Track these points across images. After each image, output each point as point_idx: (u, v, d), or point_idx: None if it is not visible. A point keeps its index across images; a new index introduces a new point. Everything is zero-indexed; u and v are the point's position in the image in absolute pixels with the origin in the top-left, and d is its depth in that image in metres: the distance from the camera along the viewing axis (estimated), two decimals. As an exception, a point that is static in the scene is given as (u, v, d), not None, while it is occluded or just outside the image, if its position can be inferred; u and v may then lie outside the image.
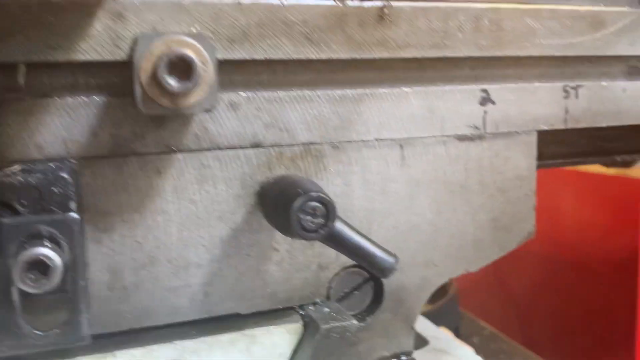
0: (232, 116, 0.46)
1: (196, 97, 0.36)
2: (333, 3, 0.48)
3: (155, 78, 0.35)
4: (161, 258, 0.46)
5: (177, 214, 0.46)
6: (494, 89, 0.54)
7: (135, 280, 0.46)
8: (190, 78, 0.35)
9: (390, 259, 0.43)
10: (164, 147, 0.45)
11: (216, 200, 0.47)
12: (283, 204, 0.39)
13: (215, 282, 0.48)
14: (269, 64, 0.47)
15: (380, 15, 0.49)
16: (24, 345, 0.39)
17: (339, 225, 0.41)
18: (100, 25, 0.42)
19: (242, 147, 0.47)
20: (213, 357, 0.46)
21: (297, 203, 0.37)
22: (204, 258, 0.47)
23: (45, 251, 0.37)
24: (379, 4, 0.49)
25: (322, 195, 0.38)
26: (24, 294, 0.38)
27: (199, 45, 0.36)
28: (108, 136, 0.43)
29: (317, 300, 0.51)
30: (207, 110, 0.38)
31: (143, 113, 0.37)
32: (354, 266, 0.52)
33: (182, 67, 0.35)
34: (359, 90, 0.50)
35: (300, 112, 0.48)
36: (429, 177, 0.53)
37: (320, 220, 0.39)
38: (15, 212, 0.39)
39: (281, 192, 0.40)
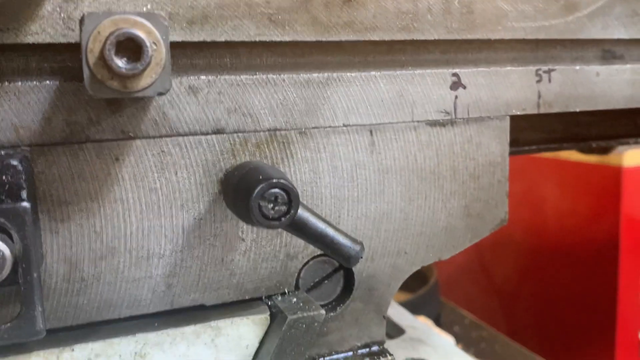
0: (193, 101, 0.44)
1: (147, 79, 0.35)
2: (297, -17, 0.46)
3: (103, 59, 0.34)
4: (121, 249, 0.44)
5: (136, 203, 0.44)
6: (465, 72, 0.53)
7: (94, 271, 0.44)
8: (140, 59, 0.34)
9: (355, 247, 0.41)
10: (121, 133, 0.43)
11: (178, 188, 0.45)
12: (244, 192, 0.37)
13: (179, 273, 0.46)
14: (231, 46, 0.46)
15: (347, -4, 0.48)
16: (-27, 339, 0.38)
17: (302, 213, 0.40)
18: (50, 5, 0.40)
19: (203, 134, 0.46)
20: (176, 350, 0.45)
21: (258, 190, 0.36)
22: (166, 248, 0.46)
23: (-7, 243, 0.35)
24: (346, -16, 0.48)
25: (283, 182, 0.37)
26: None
27: (150, 25, 0.34)
28: (62, 122, 0.42)
29: (285, 290, 0.50)
30: (160, 94, 0.36)
31: (92, 96, 0.36)
32: (324, 255, 0.51)
33: (132, 48, 0.34)
34: (326, 74, 0.49)
35: (264, 97, 0.47)
36: (400, 163, 0.52)
37: (282, 208, 0.37)
38: (-38, 202, 0.37)
39: (242, 179, 0.39)
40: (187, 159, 0.45)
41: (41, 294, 0.39)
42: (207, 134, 0.46)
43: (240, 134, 0.46)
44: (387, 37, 0.50)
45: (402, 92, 0.51)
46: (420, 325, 0.80)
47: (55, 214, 0.42)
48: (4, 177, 0.38)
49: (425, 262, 0.55)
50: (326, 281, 0.52)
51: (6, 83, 0.40)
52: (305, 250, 0.50)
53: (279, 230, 0.48)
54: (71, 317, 0.44)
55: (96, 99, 0.42)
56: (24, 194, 0.38)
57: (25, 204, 0.37)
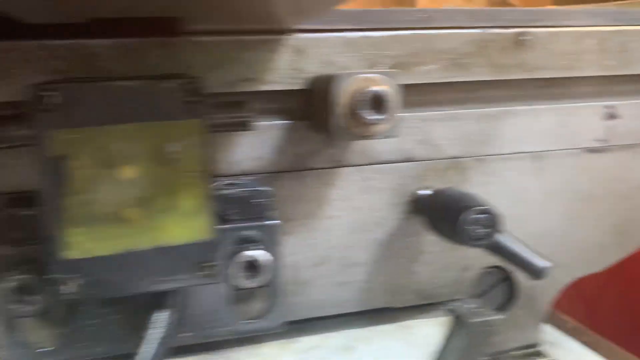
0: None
1: (385, 127, 0.43)
2: (478, 31, 0.54)
3: (351, 111, 0.42)
4: (331, 258, 0.53)
5: (344, 220, 0.53)
6: (619, 104, 0.59)
7: (310, 276, 0.53)
8: (383, 111, 0.42)
9: (545, 264, 0.48)
10: (334, 162, 0.52)
11: (375, 207, 0.53)
12: (452, 215, 0.45)
13: (374, 279, 0.55)
14: (420, 86, 0.54)
15: (518, 41, 0.55)
16: (233, 331, 0.47)
17: (500, 235, 0.47)
18: (284, 59, 0.49)
19: (397, 162, 0.54)
20: (376, 344, 0.53)
21: (467, 215, 0.43)
22: (365, 258, 0.54)
23: (257, 253, 0.44)
24: (518, 31, 0.55)
25: (489, 208, 0.44)
26: (233, 289, 0.46)
27: (387, 82, 0.42)
28: (290, 154, 0.51)
29: (460, 297, 0.57)
30: (391, 137, 0.44)
31: (337, 140, 0.44)
32: (491, 267, 0.58)
33: (376, 102, 0.42)
34: (498, 109, 0.56)
35: (448, 129, 0.55)
36: (560, 186, 0.58)
37: (486, 230, 0.45)
38: (226, 221, 0.46)
39: (448, 203, 0.47)
40: (384, 183, 0.53)
41: (283, 295, 0.48)
42: (400, 162, 0.54)
43: (427, 162, 0.54)
44: (551, 75, 0.56)
45: (563, 122, 0.58)
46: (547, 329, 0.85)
47: (284, 229, 0.51)
48: (256, 200, 0.47)
49: (578, 274, 0.61)
50: (492, 290, 0.59)
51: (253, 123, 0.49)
52: (478, 262, 0.57)
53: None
54: (292, 314, 0.53)
55: (316, 135, 0.51)
56: (272, 214, 0.47)
57: (277, 221, 0.47)
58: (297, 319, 0.53)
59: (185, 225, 0.38)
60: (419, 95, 0.54)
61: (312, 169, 0.51)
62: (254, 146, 0.50)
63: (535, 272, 0.47)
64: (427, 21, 0.53)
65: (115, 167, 0.36)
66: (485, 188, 0.56)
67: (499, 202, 0.56)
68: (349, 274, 0.54)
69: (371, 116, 0.41)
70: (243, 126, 0.41)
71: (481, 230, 0.45)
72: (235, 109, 0.41)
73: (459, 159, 0.55)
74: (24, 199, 0.44)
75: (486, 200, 0.46)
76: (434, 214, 0.49)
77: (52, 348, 0.44)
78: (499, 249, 0.47)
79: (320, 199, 0.52)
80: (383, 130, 0.43)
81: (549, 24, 0.55)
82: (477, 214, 0.44)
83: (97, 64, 0.45)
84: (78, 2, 0.30)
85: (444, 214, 0.47)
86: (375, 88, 0.41)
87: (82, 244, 0.37)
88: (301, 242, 0.52)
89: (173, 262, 0.39)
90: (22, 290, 0.40)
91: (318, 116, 0.49)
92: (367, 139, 0.44)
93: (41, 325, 0.47)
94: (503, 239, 0.47)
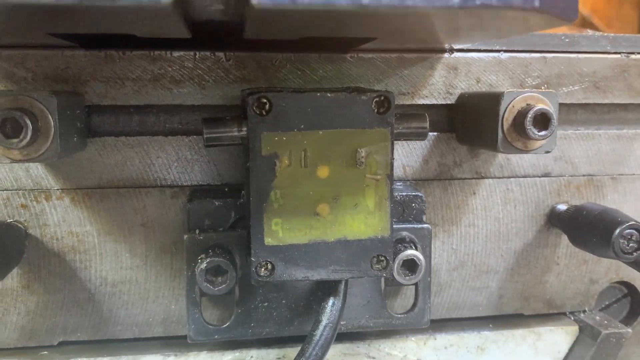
0: (533, 151, 0.56)
1: (544, 142, 0.46)
2: (619, 57, 0.56)
3: (516, 127, 0.46)
4: (469, 263, 0.57)
5: (484, 228, 0.56)
6: None
7: (448, 279, 0.57)
8: (548, 128, 0.45)
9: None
10: (475, 173, 0.56)
11: (515, 218, 0.57)
12: (604, 228, 0.48)
13: (507, 286, 0.58)
14: (560, 106, 0.57)
15: (657, 67, 0.57)
16: (384, 323, 0.51)
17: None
18: (438, 75, 0.54)
19: (535, 176, 0.57)
20: (507, 347, 0.56)
21: (619, 230, 0.46)
22: (501, 266, 0.57)
23: (416, 252, 0.48)
24: (657, 57, 0.57)
25: (638, 224, 0.47)
26: (387, 284, 0.51)
27: (549, 101, 0.46)
28: (435, 163, 0.55)
29: (585, 308, 0.60)
30: (547, 152, 0.48)
31: (500, 152, 0.48)
32: (617, 282, 0.60)
33: (541, 119, 0.45)
34: (633, 131, 0.58)
35: (583, 148, 0.57)
36: (691, 208, 0.60)
37: (634, 245, 0.47)
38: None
39: (598, 217, 0.49)
40: (525, 196, 0.57)
41: (429, 294, 0.52)
42: (537, 176, 0.57)
43: (563, 178, 0.57)
44: (687, 100, 0.58)
45: (696, 146, 0.59)
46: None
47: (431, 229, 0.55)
48: (413, 205, 0.51)
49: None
50: (615, 305, 0.61)
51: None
52: (605, 277, 0.59)
53: (586, 257, 0.58)
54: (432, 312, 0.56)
55: (460, 146, 0.55)
56: (424, 218, 0.51)
57: (428, 226, 0.51)
58: (435, 318, 0.57)
59: (367, 222, 0.43)
60: (560, 112, 0.57)
61: (455, 178, 0.55)
62: (403, 154, 0.54)
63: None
64: (572, 45, 0.56)
65: (313, 166, 0.42)
66: (619, 205, 0.58)
67: (630, 220, 0.58)
68: (484, 279, 0.57)
69: (537, 132, 0.45)
70: (421, 136, 0.45)
71: (633, 245, 0.47)
72: (415, 121, 0.45)
73: (594, 177, 0.58)
74: (211, 191, 0.50)
75: (631, 217, 0.49)
76: (578, 227, 0.52)
77: (226, 325, 0.49)
78: (643, 264, 0.49)
79: (463, 207, 0.56)
80: (541, 146, 0.47)
81: (689, 51, 0.58)
82: (630, 229, 0.47)
83: (277, 75, 0.50)
84: (297, 24, 0.35)
85: (594, 226, 0.49)
86: (541, 106, 0.45)
87: (280, 232, 0.42)
88: (442, 246, 0.56)
89: (354, 254, 0.43)
90: (214, 272, 0.46)
91: (467, 130, 0.53)
92: (527, 152, 0.47)
93: (219, 305, 0.52)
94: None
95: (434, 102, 0.54)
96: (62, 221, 0.50)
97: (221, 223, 0.48)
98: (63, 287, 0.52)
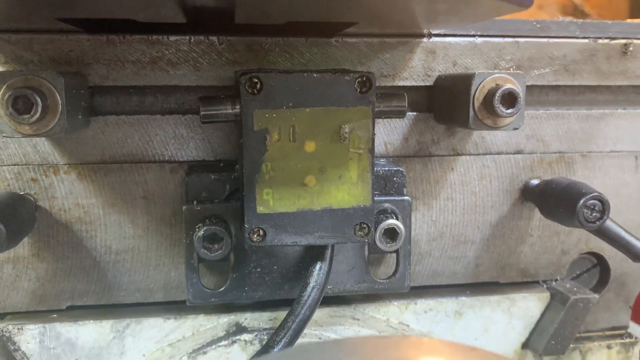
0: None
1: (511, 119, 0.50)
2: (587, 41, 0.60)
3: (486, 105, 0.50)
4: (447, 234, 0.61)
5: (462, 202, 0.61)
6: None
7: (428, 248, 0.61)
8: (515, 106, 0.49)
9: (644, 246, 0.54)
10: (452, 151, 0.60)
11: (490, 193, 0.61)
12: (570, 199, 0.52)
13: (484, 256, 0.62)
14: (532, 87, 0.61)
15: (624, 51, 0.61)
16: (367, 288, 0.56)
17: (609, 220, 0.53)
18: (418, 58, 0.58)
19: (509, 153, 0.61)
20: (482, 312, 0.60)
21: (583, 200, 0.51)
22: (477, 237, 0.62)
23: (397, 222, 0.53)
24: (624, 41, 0.61)
25: (603, 196, 0.51)
26: (370, 251, 0.55)
27: (516, 82, 0.50)
28: (414, 141, 0.59)
29: (557, 277, 0.64)
30: (515, 129, 0.52)
31: (471, 129, 0.52)
32: (587, 252, 0.64)
33: (509, 98, 0.49)
34: (601, 111, 0.62)
35: (554, 127, 0.62)
36: (656, 183, 0.64)
37: (597, 215, 0.51)
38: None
39: (565, 189, 0.54)
40: (500, 171, 0.61)
41: (409, 261, 0.56)
42: (510, 153, 0.61)
43: (535, 155, 0.61)
44: (652, 82, 0.62)
45: (661, 125, 0.64)
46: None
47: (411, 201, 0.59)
48: (395, 179, 0.55)
49: (667, 266, 0.67)
50: (585, 274, 0.66)
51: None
52: (576, 247, 0.64)
53: (558, 229, 0.63)
54: (411, 280, 0.61)
55: (438, 126, 0.59)
56: (405, 191, 0.56)
57: (408, 198, 0.55)
58: (416, 285, 0.61)
59: (350, 192, 0.47)
60: (529, 95, 0.61)
61: (432, 155, 0.60)
62: (385, 133, 0.58)
63: (637, 255, 0.53)
64: (543, 30, 0.60)
65: (301, 141, 0.46)
66: (589, 181, 0.63)
67: (598, 194, 0.62)
68: (461, 249, 0.62)
69: (505, 110, 0.49)
70: (400, 114, 0.49)
71: (595, 214, 0.52)
72: (395, 100, 0.49)
73: (565, 154, 0.62)
74: (207, 166, 0.54)
75: (595, 189, 0.53)
76: (547, 199, 0.56)
77: (222, 289, 0.54)
78: (606, 232, 0.53)
79: (442, 182, 0.60)
80: (510, 122, 0.51)
81: (654, 36, 0.62)
82: (593, 199, 0.51)
83: (267, 57, 0.54)
84: (283, 9, 0.39)
85: (560, 198, 0.54)
86: (508, 86, 0.49)
87: (271, 202, 0.46)
88: (422, 218, 0.60)
89: (338, 222, 0.48)
90: (211, 239, 0.50)
91: (443, 109, 0.57)
92: (496, 129, 0.51)
93: (215, 272, 0.57)
94: (611, 224, 0.54)
95: (414, 83, 0.58)
96: (70, 194, 0.54)
97: (217, 195, 0.52)
98: (70, 255, 0.56)
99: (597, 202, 0.51)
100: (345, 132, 0.46)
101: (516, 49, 0.59)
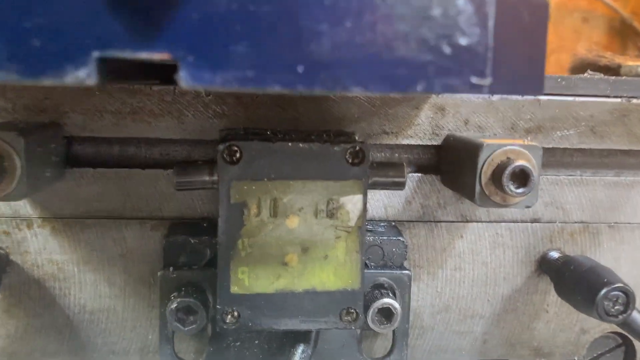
0: (524, 195, 0.54)
1: (523, 198, 0.45)
2: (619, 101, 0.54)
3: (494, 181, 0.44)
4: (454, 307, 0.55)
5: (471, 272, 0.55)
6: None
7: (431, 322, 0.55)
8: (527, 185, 0.43)
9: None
10: (461, 217, 0.54)
11: (504, 263, 0.55)
12: (589, 287, 0.46)
13: (493, 331, 0.56)
14: (554, 150, 0.55)
15: (660, 112, 0.55)
16: (359, 367, 0.51)
17: (634, 313, 0.47)
18: (425, 115, 0.52)
19: (523, 222, 0.55)
20: (488, 396, 0.55)
21: (604, 291, 0.45)
22: (487, 310, 0.56)
23: (392, 301, 0.47)
24: (660, 102, 0.55)
25: (626, 287, 0.45)
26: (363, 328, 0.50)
27: (531, 156, 0.44)
28: (418, 205, 0.54)
29: (575, 358, 0.58)
30: (528, 207, 0.46)
31: (478, 206, 0.46)
32: (610, 332, 0.58)
33: (520, 176, 0.44)
34: (631, 178, 0.56)
35: (576, 194, 0.55)
36: (691, 259, 0.58)
37: (620, 308, 0.45)
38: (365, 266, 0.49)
39: (584, 274, 0.48)
40: (514, 241, 0.55)
41: (407, 341, 0.51)
42: (527, 222, 0.55)
43: (555, 224, 0.55)
44: (689, 148, 0.56)
45: (699, 195, 0.57)
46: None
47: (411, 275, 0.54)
48: (394, 249, 0.50)
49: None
50: (607, 354, 0.59)
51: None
52: (598, 327, 0.58)
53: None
54: (411, 355, 0.55)
55: (445, 189, 0.53)
56: (406, 263, 0.50)
57: (408, 272, 0.50)
58: (414, 361, 0.56)
59: (336, 273, 0.42)
60: (550, 156, 0.55)
61: (438, 221, 0.54)
62: (384, 194, 0.53)
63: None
64: (568, 88, 0.54)
65: (283, 216, 0.41)
66: (615, 254, 0.56)
67: (627, 269, 0.56)
68: (469, 324, 0.56)
69: (515, 189, 0.43)
70: (398, 186, 0.44)
71: (617, 308, 0.46)
72: (392, 170, 0.44)
73: (589, 224, 0.56)
74: (190, 225, 0.50)
75: (620, 278, 0.47)
76: (565, 279, 0.50)
77: (198, 363, 0.49)
78: (631, 325, 0.47)
79: (450, 250, 0.55)
80: (520, 201, 0.45)
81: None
82: (616, 291, 0.45)
83: (257, 112, 0.50)
84: None
85: (580, 283, 0.48)
86: (520, 163, 0.43)
87: (246, 281, 0.41)
88: (426, 289, 0.55)
89: (322, 306, 0.43)
90: (184, 311, 0.45)
91: (451, 173, 0.51)
92: (506, 207, 0.46)
93: (190, 342, 0.52)
94: (637, 316, 0.47)
95: (419, 142, 0.53)
96: (43, 249, 0.51)
97: (197, 260, 0.48)
98: (42, 313, 0.52)
99: (620, 294, 0.45)
100: (333, 208, 0.41)
101: (537, 107, 0.53)
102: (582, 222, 0.56)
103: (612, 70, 0.77)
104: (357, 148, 0.41)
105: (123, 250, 0.51)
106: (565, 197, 0.55)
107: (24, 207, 0.49)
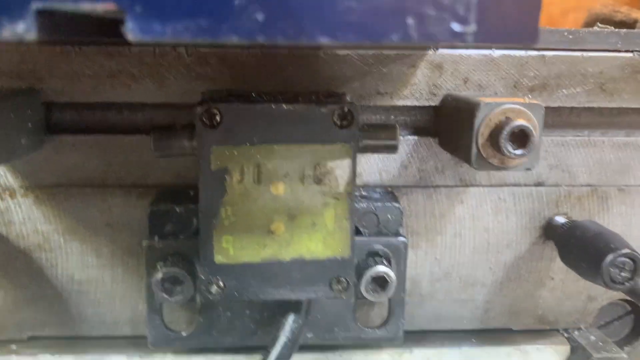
0: (524, 157, 0.51)
1: (524, 159, 0.42)
2: (631, 55, 0.51)
3: (491, 142, 0.41)
4: (454, 274, 0.53)
5: (472, 239, 0.53)
6: None
7: (431, 290, 0.54)
8: (526, 146, 0.41)
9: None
10: (460, 181, 0.52)
11: (506, 229, 0.53)
12: (595, 253, 0.43)
13: (495, 300, 0.54)
14: (560, 109, 0.52)
15: (676, 67, 0.52)
16: (353, 337, 0.49)
17: (640, 280, 0.45)
18: (421, 74, 0.49)
19: (526, 185, 0.52)
20: (490, 365, 0.53)
21: (610, 257, 0.42)
22: (488, 278, 0.54)
23: (387, 269, 0.45)
24: (676, 56, 0.51)
25: (633, 252, 0.42)
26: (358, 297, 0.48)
27: (532, 115, 0.41)
28: (415, 169, 0.51)
29: (582, 326, 0.56)
30: (528, 170, 0.43)
31: (474, 169, 0.43)
32: (618, 299, 0.56)
33: (520, 136, 0.41)
34: (642, 137, 0.53)
35: (583, 156, 0.53)
36: None
37: (627, 275, 0.43)
38: (357, 233, 0.47)
39: (590, 240, 0.45)
40: (518, 206, 0.52)
41: (403, 310, 0.49)
42: (529, 185, 0.52)
43: (561, 188, 0.53)
44: None
45: None
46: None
47: (408, 242, 0.52)
48: (389, 216, 0.48)
49: None
50: (616, 322, 0.57)
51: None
52: (606, 294, 0.55)
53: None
54: (409, 324, 0.53)
55: (443, 152, 0.51)
56: (401, 230, 0.48)
57: (404, 239, 0.47)
58: (414, 329, 0.54)
59: (325, 242, 0.40)
60: (557, 116, 0.52)
61: (436, 186, 0.52)
62: (379, 158, 0.50)
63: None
64: (576, 42, 0.51)
65: (267, 182, 0.39)
66: (626, 219, 0.54)
67: (638, 234, 0.54)
68: (469, 292, 0.54)
69: (514, 151, 0.41)
70: (391, 149, 0.42)
71: (624, 275, 0.43)
72: (384, 133, 0.41)
73: (598, 187, 0.53)
74: (176, 193, 0.48)
75: (628, 243, 0.45)
76: (570, 245, 0.47)
77: (187, 334, 0.48)
78: (637, 294, 0.45)
79: (449, 216, 0.52)
80: (521, 163, 0.42)
81: None
82: (623, 257, 0.43)
83: (242, 72, 0.47)
84: None
85: (585, 249, 0.45)
86: (520, 122, 0.40)
87: (231, 250, 0.39)
88: (425, 256, 0.53)
89: (311, 275, 0.41)
90: (170, 281, 0.44)
91: (449, 135, 0.49)
92: (505, 169, 0.43)
93: (181, 312, 0.51)
94: (641, 282, 0.45)
95: (416, 103, 0.50)
96: (28, 219, 0.49)
97: (183, 229, 0.46)
98: (30, 284, 0.51)
99: (628, 260, 0.43)
100: (321, 173, 0.39)
101: (542, 64, 0.50)
102: (589, 185, 0.53)
103: (628, 25, 0.73)
104: (346, 109, 0.38)
105: (109, 219, 0.49)
106: (572, 159, 0.53)
107: (4, 176, 0.48)
